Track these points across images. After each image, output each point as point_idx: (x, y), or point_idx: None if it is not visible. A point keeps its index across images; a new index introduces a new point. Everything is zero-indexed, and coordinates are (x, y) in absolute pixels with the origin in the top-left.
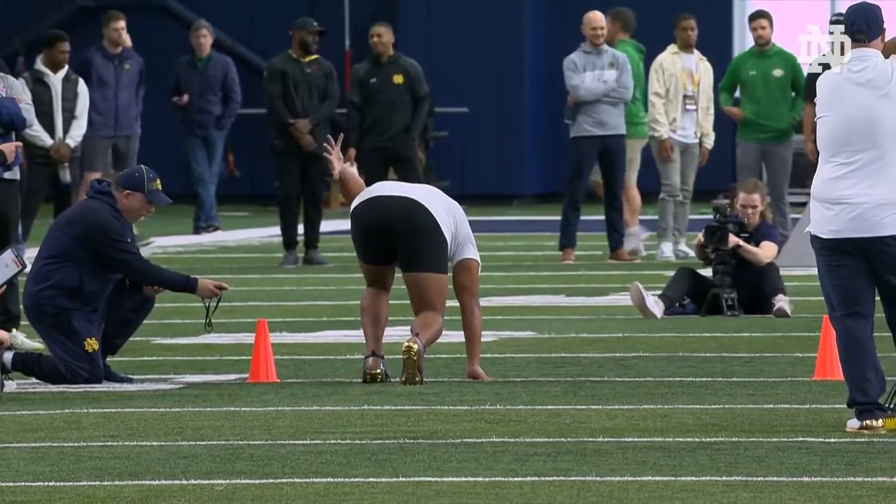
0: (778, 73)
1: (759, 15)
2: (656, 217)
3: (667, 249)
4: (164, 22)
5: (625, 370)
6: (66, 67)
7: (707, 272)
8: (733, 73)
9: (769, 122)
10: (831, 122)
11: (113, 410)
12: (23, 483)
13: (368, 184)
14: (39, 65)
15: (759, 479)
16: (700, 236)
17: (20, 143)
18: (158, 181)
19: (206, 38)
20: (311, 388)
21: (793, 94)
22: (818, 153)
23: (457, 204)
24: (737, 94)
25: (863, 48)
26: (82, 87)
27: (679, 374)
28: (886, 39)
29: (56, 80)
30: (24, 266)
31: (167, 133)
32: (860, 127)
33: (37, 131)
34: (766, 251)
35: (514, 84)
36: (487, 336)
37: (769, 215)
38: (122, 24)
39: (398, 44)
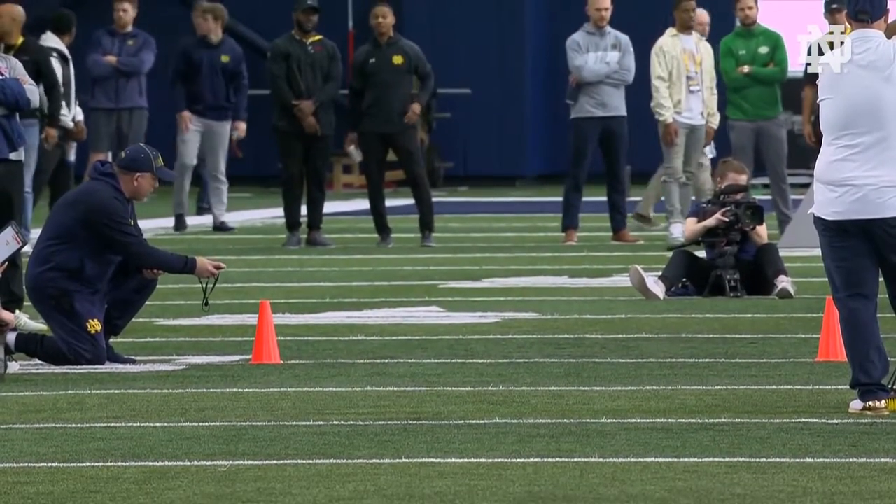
0: (763, 50)
1: None
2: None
3: (676, 231)
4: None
5: (627, 351)
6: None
7: (701, 253)
8: (729, 52)
9: (758, 99)
10: (834, 104)
11: (116, 391)
12: (26, 464)
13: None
14: (58, 43)
15: (761, 459)
16: (719, 215)
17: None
18: (160, 156)
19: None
20: (314, 370)
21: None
22: (816, 136)
23: None
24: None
25: (866, 29)
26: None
27: (682, 355)
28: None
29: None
30: (26, 242)
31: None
32: (863, 109)
33: (64, 113)
34: (763, 230)
35: (515, 65)
36: (490, 317)
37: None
38: (126, 4)
39: (401, 25)
